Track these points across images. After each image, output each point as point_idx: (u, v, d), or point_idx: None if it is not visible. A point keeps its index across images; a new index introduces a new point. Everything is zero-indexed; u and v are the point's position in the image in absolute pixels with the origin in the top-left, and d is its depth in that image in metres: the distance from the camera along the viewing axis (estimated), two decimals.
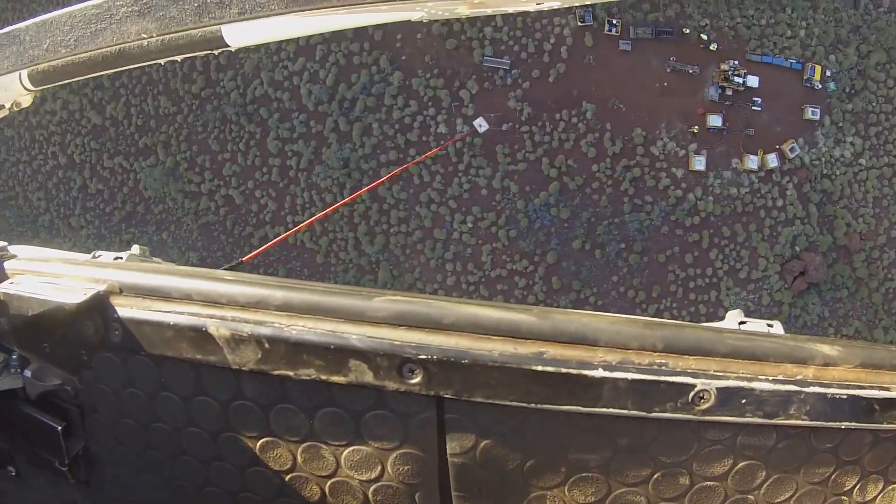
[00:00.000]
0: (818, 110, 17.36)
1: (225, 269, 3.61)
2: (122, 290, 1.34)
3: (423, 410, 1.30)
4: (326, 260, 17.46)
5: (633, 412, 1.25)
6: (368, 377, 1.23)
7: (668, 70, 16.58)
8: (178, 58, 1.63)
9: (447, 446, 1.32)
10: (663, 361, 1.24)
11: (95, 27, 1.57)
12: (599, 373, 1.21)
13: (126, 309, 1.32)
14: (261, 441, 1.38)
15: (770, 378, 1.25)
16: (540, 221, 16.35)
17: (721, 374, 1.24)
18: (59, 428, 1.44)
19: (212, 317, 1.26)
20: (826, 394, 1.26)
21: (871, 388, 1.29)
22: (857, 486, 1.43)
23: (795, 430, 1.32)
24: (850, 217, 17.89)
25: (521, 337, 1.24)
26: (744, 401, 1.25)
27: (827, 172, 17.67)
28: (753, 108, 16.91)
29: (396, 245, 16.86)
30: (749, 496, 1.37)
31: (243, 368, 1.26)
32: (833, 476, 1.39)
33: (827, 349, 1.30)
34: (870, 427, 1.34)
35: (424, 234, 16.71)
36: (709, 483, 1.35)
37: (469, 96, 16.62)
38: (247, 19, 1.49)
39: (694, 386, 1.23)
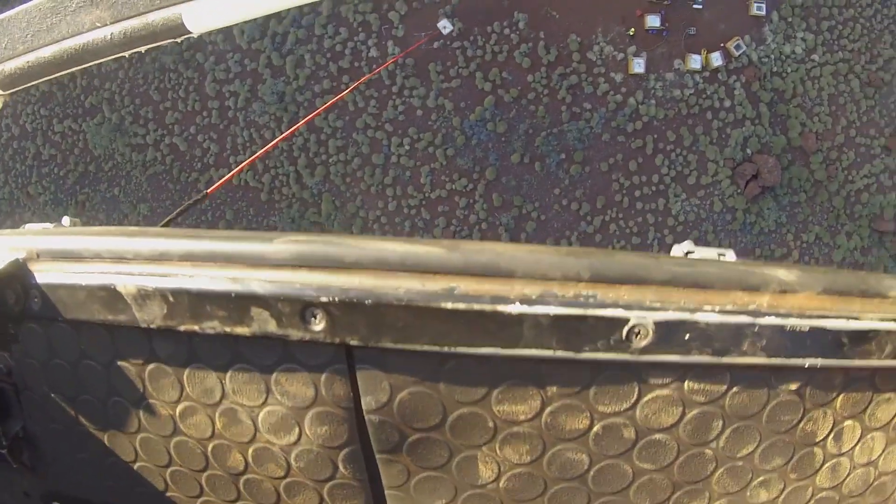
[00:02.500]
0: (763, 5, 16.72)
1: (191, 202, 3.50)
2: (40, 256, 1.28)
3: (332, 362, 1.18)
4: (270, 197, 17.32)
5: (560, 353, 1.10)
6: (271, 326, 1.14)
7: None
8: (143, 49, 1.65)
9: (362, 402, 1.21)
10: (590, 293, 1.07)
11: (50, 21, 1.60)
12: (517, 308, 1.06)
13: (42, 274, 1.26)
14: (179, 407, 1.31)
15: (717, 308, 1.07)
16: (477, 137, 16.01)
17: (659, 304, 1.07)
18: None
19: (119, 273, 1.21)
20: (784, 325, 1.09)
21: (838, 317, 1.10)
22: (831, 436, 1.24)
23: (752, 370, 1.14)
24: (804, 116, 17.36)
25: (429, 272, 1.09)
26: (688, 336, 1.08)
27: (777, 70, 17.10)
28: (694, 6, 16.29)
29: (337, 175, 16.64)
30: (706, 450, 1.20)
31: (152, 326, 1.20)
32: (801, 424, 1.21)
33: (783, 274, 1.11)
34: (839, 364, 1.14)
35: (363, 161, 16.46)
36: (657, 436, 1.18)
37: (398, 18, 16.21)
38: None
39: (627, 320, 1.06)
